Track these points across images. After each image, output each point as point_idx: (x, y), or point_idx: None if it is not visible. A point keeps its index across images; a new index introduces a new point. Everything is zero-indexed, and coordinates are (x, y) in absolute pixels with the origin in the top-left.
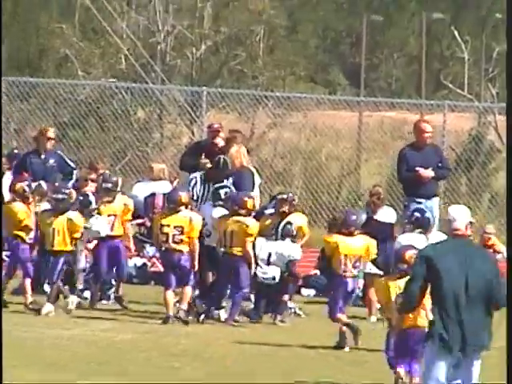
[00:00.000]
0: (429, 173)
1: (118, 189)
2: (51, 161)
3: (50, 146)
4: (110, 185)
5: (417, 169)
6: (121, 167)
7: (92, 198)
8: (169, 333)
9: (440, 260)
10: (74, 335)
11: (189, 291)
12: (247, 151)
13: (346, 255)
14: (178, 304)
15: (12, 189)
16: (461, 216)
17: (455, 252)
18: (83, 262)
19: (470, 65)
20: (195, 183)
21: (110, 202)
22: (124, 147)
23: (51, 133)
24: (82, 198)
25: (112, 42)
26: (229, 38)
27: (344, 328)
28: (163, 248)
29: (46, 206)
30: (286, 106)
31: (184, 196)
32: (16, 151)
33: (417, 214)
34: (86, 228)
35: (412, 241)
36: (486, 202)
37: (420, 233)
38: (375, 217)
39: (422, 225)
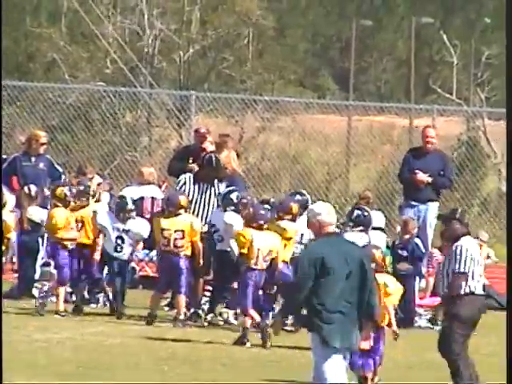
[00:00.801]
0: (425, 177)
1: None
2: (41, 164)
3: (43, 150)
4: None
5: (416, 171)
6: (110, 171)
7: (129, 200)
8: (158, 336)
9: (330, 258)
10: (63, 339)
11: (182, 300)
12: (237, 155)
13: (258, 249)
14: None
15: (52, 194)
16: (329, 212)
17: (337, 249)
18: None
19: (459, 69)
20: (184, 183)
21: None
22: (113, 151)
23: (44, 138)
24: (118, 199)
25: (100, 46)
26: (217, 42)
27: (248, 324)
28: (163, 251)
29: (36, 209)
30: (275, 110)
31: (183, 199)
32: (4, 157)
33: (358, 213)
34: (125, 231)
35: (354, 239)
36: (476, 208)
37: (361, 231)
38: None
39: (364, 223)
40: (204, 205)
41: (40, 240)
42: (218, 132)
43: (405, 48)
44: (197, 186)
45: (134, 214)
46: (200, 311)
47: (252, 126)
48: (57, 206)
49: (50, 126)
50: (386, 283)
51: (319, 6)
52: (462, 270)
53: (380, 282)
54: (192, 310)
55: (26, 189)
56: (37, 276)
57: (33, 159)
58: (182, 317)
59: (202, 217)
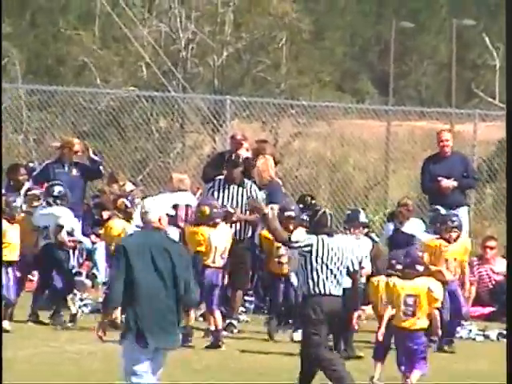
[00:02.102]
0: (450, 183)
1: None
2: (74, 171)
3: (76, 159)
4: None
5: (439, 179)
6: (142, 178)
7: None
8: (189, 347)
9: (134, 252)
10: (93, 350)
11: (218, 315)
12: (275, 163)
13: (215, 247)
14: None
15: (114, 205)
16: (154, 208)
17: (150, 244)
18: None
19: (502, 72)
20: (212, 187)
21: None
22: (145, 157)
23: (77, 146)
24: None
25: (132, 50)
26: (251, 45)
27: (220, 326)
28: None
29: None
30: (312, 115)
31: (206, 208)
32: (31, 164)
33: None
34: None
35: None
36: None
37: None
38: (402, 229)
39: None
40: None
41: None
42: (254, 138)
43: (446, 51)
44: (226, 190)
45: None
46: (235, 322)
47: (288, 132)
48: (117, 217)
49: (81, 132)
50: (430, 288)
51: (357, 7)
52: (293, 239)
53: (424, 286)
54: (227, 321)
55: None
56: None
57: (66, 166)
58: (212, 328)
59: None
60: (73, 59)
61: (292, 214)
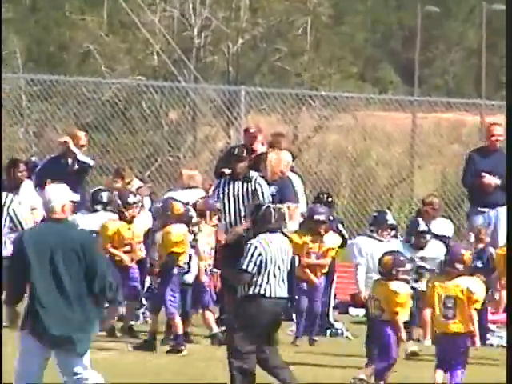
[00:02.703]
0: (493, 180)
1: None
2: (77, 166)
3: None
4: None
5: (483, 174)
6: (150, 174)
7: (193, 212)
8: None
9: (30, 244)
10: (98, 359)
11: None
12: (293, 157)
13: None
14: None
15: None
16: (57, 197)
17: (50, 235)
18: None
19: None
20: (217, 186)
21: None
22: (154, 152)
23: (84, 140)
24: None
25: (140, 37)
26: (268, 31)
27: (179, 332)
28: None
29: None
30: (333, 107)
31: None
32: (33, 159)
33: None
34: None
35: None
36: None
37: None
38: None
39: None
40: (237, 205)
41: None
42: (271, 131)
43: (475, 37)
44: (231, 187)
45: (198, 226)
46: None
47: (307, 125)
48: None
49: (85, 124)
50: (469, 289)
51: None
52: (244, 267)
53: (463, 287)
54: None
55: (98, 195)
56: None
57: (69, 161)
58: (215, 331)
59: (236, 220)
60: (77, 46)
61: (321, 217)
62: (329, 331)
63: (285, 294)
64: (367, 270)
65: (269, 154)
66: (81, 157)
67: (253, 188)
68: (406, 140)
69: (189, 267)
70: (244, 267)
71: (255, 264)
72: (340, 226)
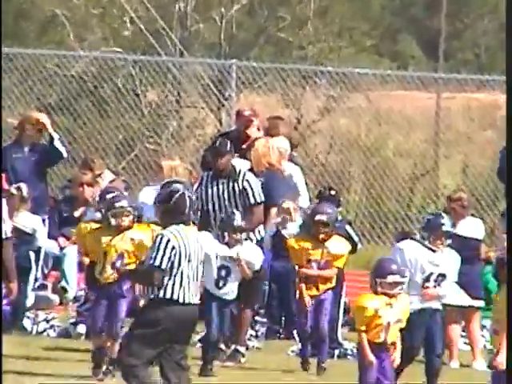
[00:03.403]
0: None
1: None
2: (37, 155)
3: (40, 138)
4: None
5: None
6: (125, 165)
7: (238, 215)
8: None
9: None
10: None
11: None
12: (295, 145)
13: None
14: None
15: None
16: None
17: None
18: None
19: None
20: (200, 183)
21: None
22: (130, 138)
23: (42, 121)
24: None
25: (116, 1)
26: None
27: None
28: None
29: (27, 215)
30: (342, 86)
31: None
32: None
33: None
34: (233, 259)
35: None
36: None
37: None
38: (456, 230)
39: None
40: (222, 208)
41: (32, 256)
42: (268, 114)
43: None
44: (215, 187)
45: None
46: (241, 348)
47: (312, 107)
48: None
49: (47, 106)
50: None
51: None
52: (157, 263)
53: None
54: (233, 347)
55: (13, 188)
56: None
57: (26, 149)
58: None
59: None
60: (39, 11)
61: (323, 218)
62: (337, 352)
63: (197, 301)
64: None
65: (256, 142)
66: (57, 143)
67: (240, 187)
68: (429, 125)
69: None
70: (156, 263)
71: (169, 259)
72: (348, 228)
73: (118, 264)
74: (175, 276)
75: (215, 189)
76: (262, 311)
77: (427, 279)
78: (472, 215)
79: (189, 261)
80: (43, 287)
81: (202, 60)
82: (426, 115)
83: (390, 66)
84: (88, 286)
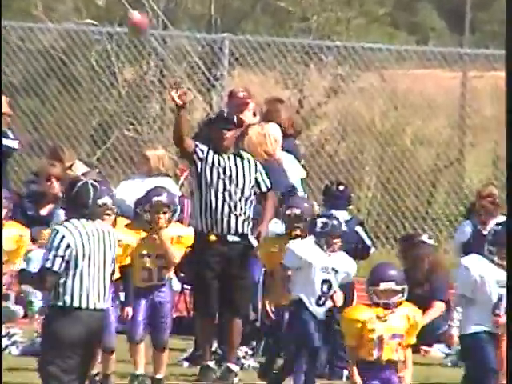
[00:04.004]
0: None
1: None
2: None
3: (5, 124)
4: None
5: None
6: (100, 155)
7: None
8: None
9: None
10: None
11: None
12: (297, 132)
13: None
14: None
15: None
16: None
17: None
18: None
19: None
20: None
21: None
22: (106, 124)
23: (5, 107)
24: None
25: None
26: None
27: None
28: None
29: None
30: (352, 63)
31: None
32: None
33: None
34: (334, 270)
35: None
36: None
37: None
38: (486, 232)
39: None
40: (226, 189)
41: None
42: (265, 96)
43: None
44: (216, 163)
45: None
46: (233, 366)
47: (317, 88)
48: None
49: (9, 86)
50: None
51: None
52: (48, 264)
53: None
54: (224, 366)
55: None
56: None
57: None
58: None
59: (223, 212)
60: None
61: (296, 212)
62: (346, 373)
63: (103, 306)
64: (466, 302)
65: (249, 129)
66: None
67: (254, 168)
68: (453, 108)
69: None
70: (48, 264)
71: (63, 260)
72: (359, 229)
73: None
74: (73, 278)
75: (220, 166)
76: (257, 324)
77: (496, 306)
78: (503, 214)
79: (89, 260)
80: (5, 297)
81: (189, 34)
82: (450, 97)
83: (408, 40)
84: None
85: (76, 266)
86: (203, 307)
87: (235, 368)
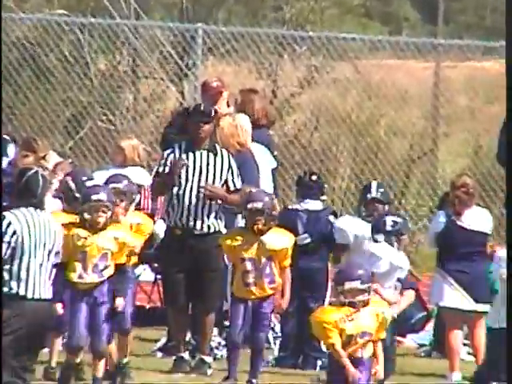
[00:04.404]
0: None
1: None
2: None
3: None
4: None
5: None
6: (72, 145)
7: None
8: None
9: None
10: None
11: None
12: (271, 122)
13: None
14: None
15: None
16: None
17: None
18: None
19: None
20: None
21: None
22: (79, 115)
23: None
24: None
25: None
26: None
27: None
28: None
29: None
30: (326, 53)
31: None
32: None
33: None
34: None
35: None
36: None
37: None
38: (460, 222)
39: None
40: (192, 191)
41: None
42: (240, 86)
43: None
44: (193, 155)
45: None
46: (207, 358)
47: (291, 78)
48: None
49: None
50: None
51: None
52: None
53: None
54: (198, 358)
55: None
56: None
57: None
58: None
59: (196, 208)
60: None
61: (258, 205)
62: (319, 362)
63: (49, 295)
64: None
65: (221, 120)
66: None
67: (224, 166)
68: (427, 99)
69: None
70: None
71: (9, 246)
72: (333, 219)
73: (100, 266)
74: (19, 267)
75: (194, 161)
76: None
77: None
78: (478, 204)
79: (36, 248)
80: None
81: (162, 23)
82: (423, 87)
83: (381, 31)
84: (57, 292)
85: (22, 254)
86: (171, 301)
87: (209, 359)
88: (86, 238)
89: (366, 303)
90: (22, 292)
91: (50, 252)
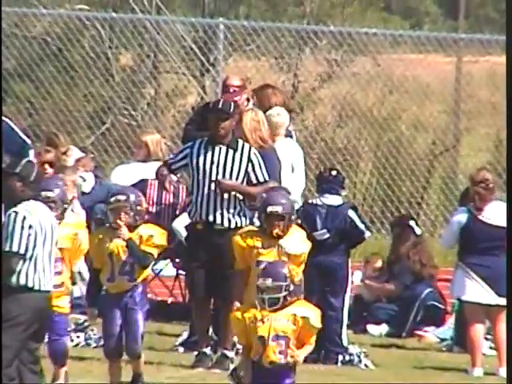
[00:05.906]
0: None
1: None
2: None
3: None
4: None
5: None
6: (94, 140)
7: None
8: None
9: None
10: None
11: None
12: (289, 117)
13: None
14: None
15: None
16: None
17: None
18: None
19: None
20: (185, 156)
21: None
22: (100, 110)
23: None
24: None
25: None
26: None
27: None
28: None
29: None
30: (347, 48)
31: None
32: None
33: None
34: None
35: None
36: None
37: None
38: (481, 217)
39: None
40: (211, 187)
41: None
42: (261, 81)
43: None
44: (209, 153)
45: None
46: (229, 353)
47: (311, 73)
48: None
49: (4, 71)
50: None
51: None
52: (15, 248)
53: None
54: (219, 353)
55: None
56: None
57: None
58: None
59: (215, 202)
60: None
61: (277, 209)
62: (341, 357)
63: (51, 288)
64: None
65: (244, 115)
66: None
67: (245, 161)
68: (448, 94)
69: None
70: (14, 248)
71: (27, 241)
72: (352, 213)
73: (127, 268)
74: (30, 259)
75: (209, 155)
76: None
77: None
78: (499, 200)
79: (44, 242)
80: None
81: (184, 18)
82: (445, 82)
83: (402, 25)
84: (91, 299)
85: (34, 247)
86: (193, 296)
87: (230, 354)
88: None
89: (288, 304)
90: (30, 284)
91: (52, 244)
